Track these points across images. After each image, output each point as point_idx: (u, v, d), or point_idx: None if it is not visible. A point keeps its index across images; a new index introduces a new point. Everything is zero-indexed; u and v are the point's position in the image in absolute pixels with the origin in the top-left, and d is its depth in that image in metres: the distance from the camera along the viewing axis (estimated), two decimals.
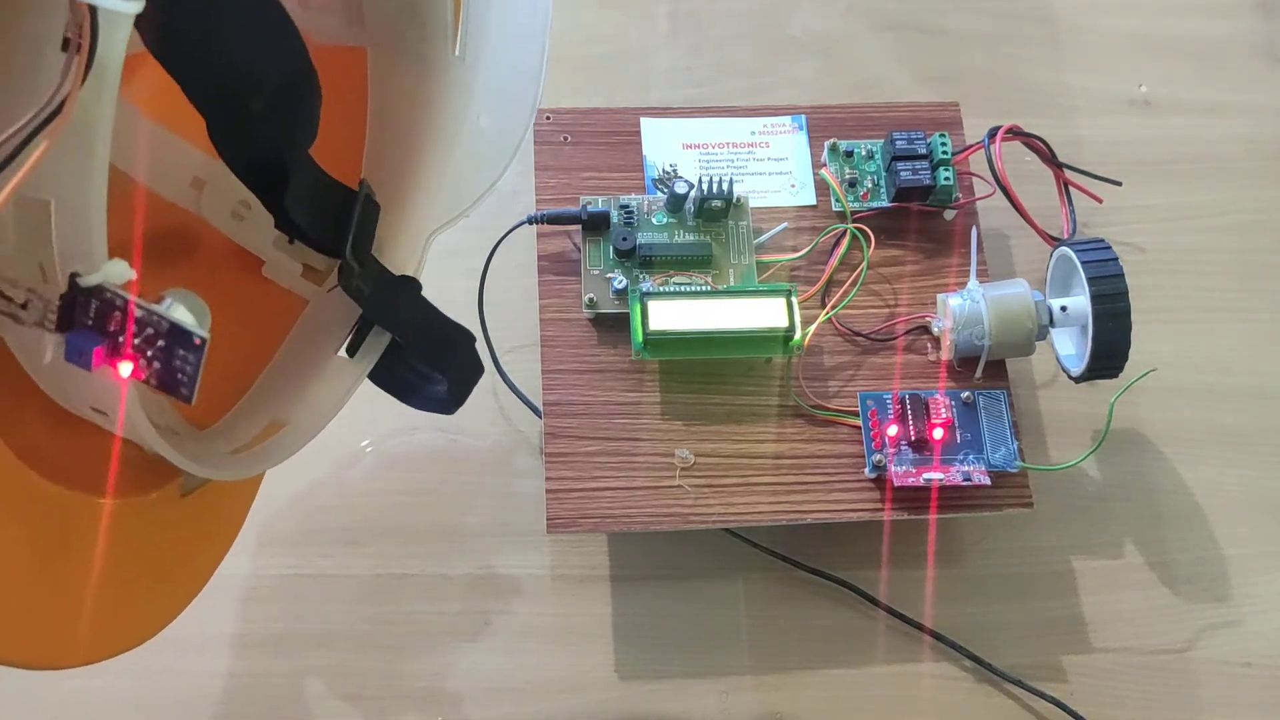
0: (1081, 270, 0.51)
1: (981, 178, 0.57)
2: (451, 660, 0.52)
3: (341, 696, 0.51)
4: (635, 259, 0.53)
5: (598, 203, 0.54)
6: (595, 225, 0.54)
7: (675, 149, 0.57)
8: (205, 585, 0.38)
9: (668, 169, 0.56)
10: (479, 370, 0.43)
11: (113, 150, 0.36)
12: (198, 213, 0.39)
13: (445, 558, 0.54)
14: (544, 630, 0.53)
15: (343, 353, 0.39)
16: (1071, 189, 0.59)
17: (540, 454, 0.52)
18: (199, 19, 0.26)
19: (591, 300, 0.52)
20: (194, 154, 0.38)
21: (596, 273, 0.53)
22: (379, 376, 0.40)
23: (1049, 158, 0.59)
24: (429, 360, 0.41)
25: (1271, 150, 0.67)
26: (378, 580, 0.54)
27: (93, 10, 0.23)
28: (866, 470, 0.51)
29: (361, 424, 0.56)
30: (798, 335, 0.51)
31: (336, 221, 0.35)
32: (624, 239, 0.53)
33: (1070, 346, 0.55)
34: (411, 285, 0.40)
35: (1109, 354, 0.51)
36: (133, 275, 0.26)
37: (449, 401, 0.42)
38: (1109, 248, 0.52)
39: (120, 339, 0.26)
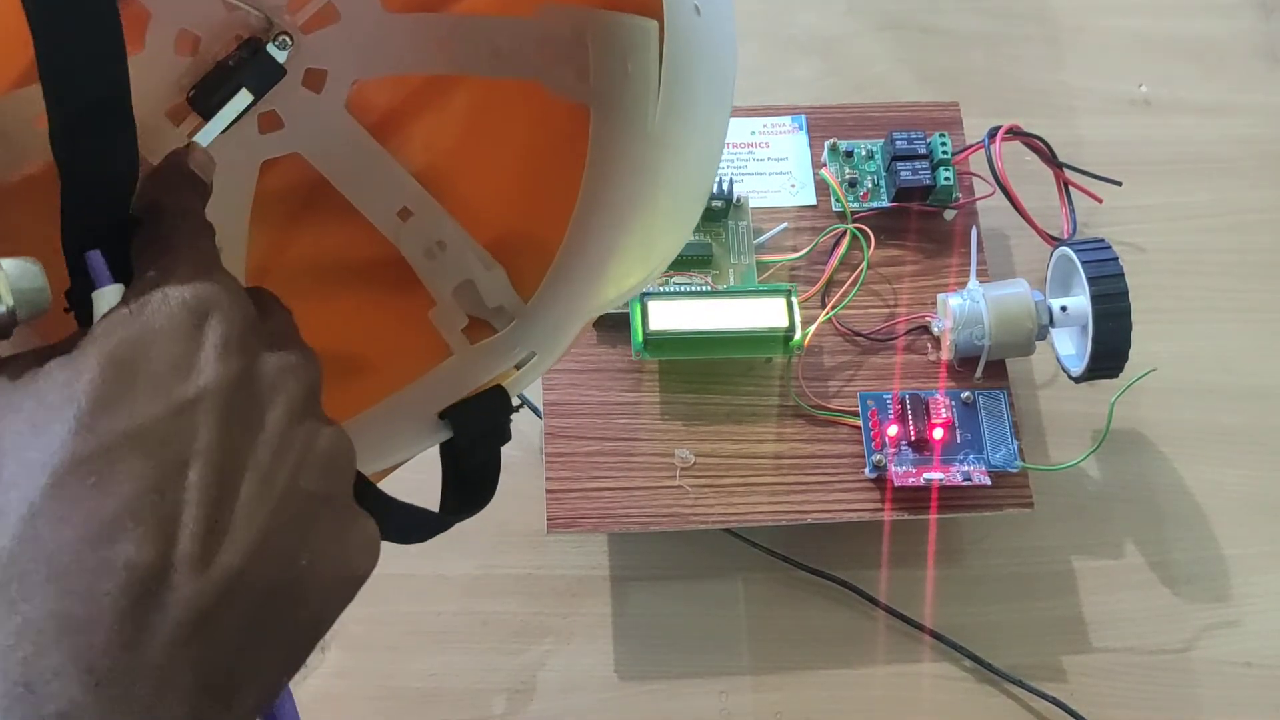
0: (1081, 270, 0.51)
1: (981, 178, 0.57)
2: (449, 661, 0.52)
3: (338, 697, 0.51)
4: None
5: None
6: None
7: None
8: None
9: None
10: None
11: (330, 164, 0.37)
12: (395, 242, 0.39)
13: (442, 558, 0.54)
14: (543, 630, 0.53)
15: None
16: (1071, 189, 0.59)
17: (540, 454, 0.52)
18: None
19: None
20: (409, 183, 0.38)
21: None
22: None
23: (1049, 158, 0.59)
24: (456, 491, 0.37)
25: (1271, 150, 0.67)
26: (374, 580, 0.53)
27: None
28: (866, 470, 0.51)
29: None
30: (798, 335, 0.51)
31: None
32: None
33: (1070, 346, 0.55)
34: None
35: (1109, 354, 0.51)
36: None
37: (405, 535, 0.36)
38: (1109, 248, 0.51)
39: None
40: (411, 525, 0.33)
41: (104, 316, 0.24)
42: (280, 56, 0.33)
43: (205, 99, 0.32)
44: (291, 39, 0.33)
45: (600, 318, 0.52)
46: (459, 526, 0.54)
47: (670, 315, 0.51)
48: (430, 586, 0.53)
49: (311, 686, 0.51)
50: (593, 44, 0.35)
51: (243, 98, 0.32)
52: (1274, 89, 0.69)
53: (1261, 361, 0.61)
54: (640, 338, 0.50)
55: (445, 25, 0.37)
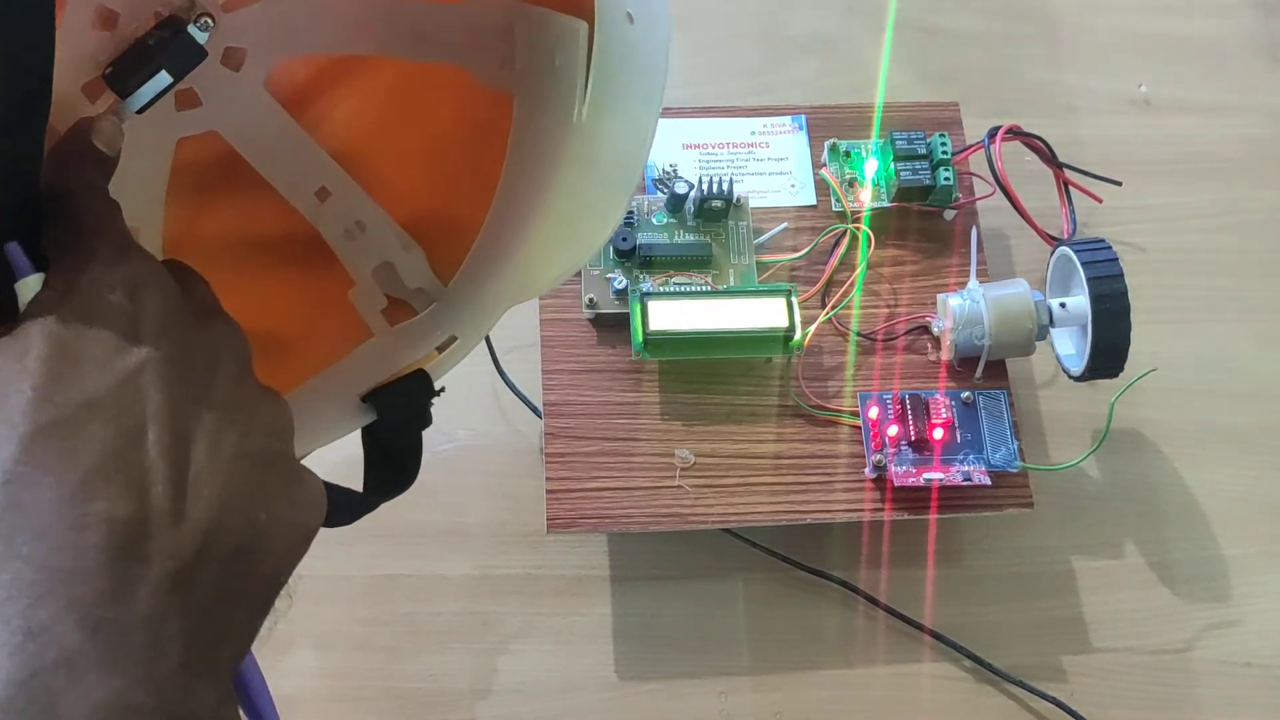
0: (1081, 270, 0.51)
1: (981, 178, 0.57)
2: (448, 661, 0.52)
3: (337, 698, 0.51)
4: (635, 259, 0.53)
5: None
6: None
7: (675, 149, 0.57)
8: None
9: (668, 169, 0.56)
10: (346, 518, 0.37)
11: (248, 143, 0.37)
12: (313, 222, 0.39)
13: (442, 558, 0.54)
14: (542, 630, 0.53)
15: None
16: (1071, 189, 0.59)
17: (540, 454, 0.52)
18: None
19: (591, 300, 0.52)
20: (328, 163, 0.38)
21: (596, 273, 0.53)
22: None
23: (1049, 158, 0.59)
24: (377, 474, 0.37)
25: (1271, 150, 0.67)
26: (373, 581, 0.53)
27: None
28: (867, 470, 0.51)
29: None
30: (798, 335, 0.51)
31: None
32: (624, 239, 0.53)
33: (1070, 346, 0.55)
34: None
35: (1109, 354, 0.51)
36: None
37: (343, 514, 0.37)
38: (1109, 248, 0.51)
39: None
40: (336, 506, 0.33)
41: (33, 302, 0.25)
42: (201, 38, 0.33)
43: (123, 79, 0.32)
44: (213, 20, 0.33)
45: (600, 318, 0.52)
46: (458, 526, 0.55)
47: (670, 315, 0.50)
48: (430, 586, 0.53)
49: (312, 687, 0.51)
50: (520, 36, 0.36)
51: (162, 79, 0.32)
52: (1274, 89, 0.69)
53: (1261, 361, 0.61)
54: (640, 338, 0.50)
55: (369, 7, 0.37)
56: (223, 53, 0.35)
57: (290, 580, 0.26)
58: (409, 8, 0.37)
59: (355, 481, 0.36)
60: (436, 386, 0.35)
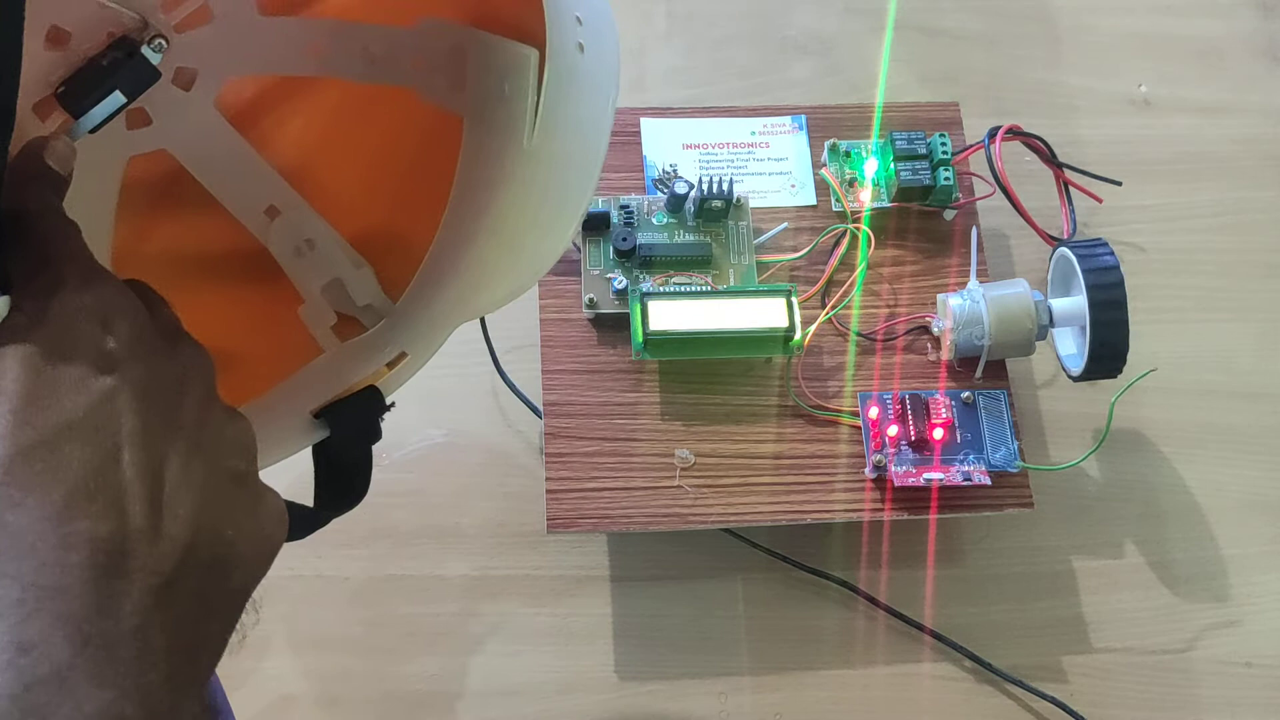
0: (1080, 271, 0.51)
1: (981, 178, 0.57)
2: (448, 662, 0.52)
3: (336, 699, 0.51)
4: (635, 259, 0.53)
5: (598, 203, 0.54)
6: (595, 225, 0.54)
7: (675, 149, 0.57)
8: None
9: (668, 169, 0.56)
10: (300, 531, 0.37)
11: (198, 161, 0.37)
12: (263, 240, 0.39)
13: (442, 559, 0.54)
14: (542, 631, 0.53)
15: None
16: (1071, 189, 0.59)
17: (540, 454, 0.52)
18: None
19: (591, 300, 0.52)
20: (277, 182, 0.39)
21: (596, 273, 0.53)
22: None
23: (1049, 158, 0.59)
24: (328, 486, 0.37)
25: (1271, 150, 0.67)
26: (373, 582, 0.53)
27: None
28: (867, 470, 0.51)
29: None
30: (798, 335, 0.51)
31: None
32: (624, 239, 0.53)
33: (1070, 346, 0.55)
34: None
35: (1109, 354, 0.51)
36: None
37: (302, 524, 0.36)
38: (1108, 248, 0.51)
39: None
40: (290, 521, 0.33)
41: (4, 328, 0.25)
42: (155, 59, 0.33)
43: (76, 99, 0.32)
44: (167, 41, 0.33)
45: (600, 318, 0.52)
46: (457, 527, 0.55)
47: (670, 315, 0.50)
48: (429, 587, 0.53)
49: (311, 688, 0.51)
50: (471, 61, 0.36)
51: (115, 99, 0.32)
52: (1274, 89, 0.69)
53: (1261, 361, 0.61)
54: (640, 338, 0.50)
55: (320, 29, 0.37)
56: (174, 72, 0.35)
57: (256, 594, 0.27)
58: (360, 30, 0.37)
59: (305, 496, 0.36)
60: (387, 402, 0.36)
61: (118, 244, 0.37)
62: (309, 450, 0.35)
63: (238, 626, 0.27)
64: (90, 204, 0.36)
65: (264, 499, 0.28)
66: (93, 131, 0.32)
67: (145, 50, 0.32)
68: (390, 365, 0.36)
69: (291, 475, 0.35)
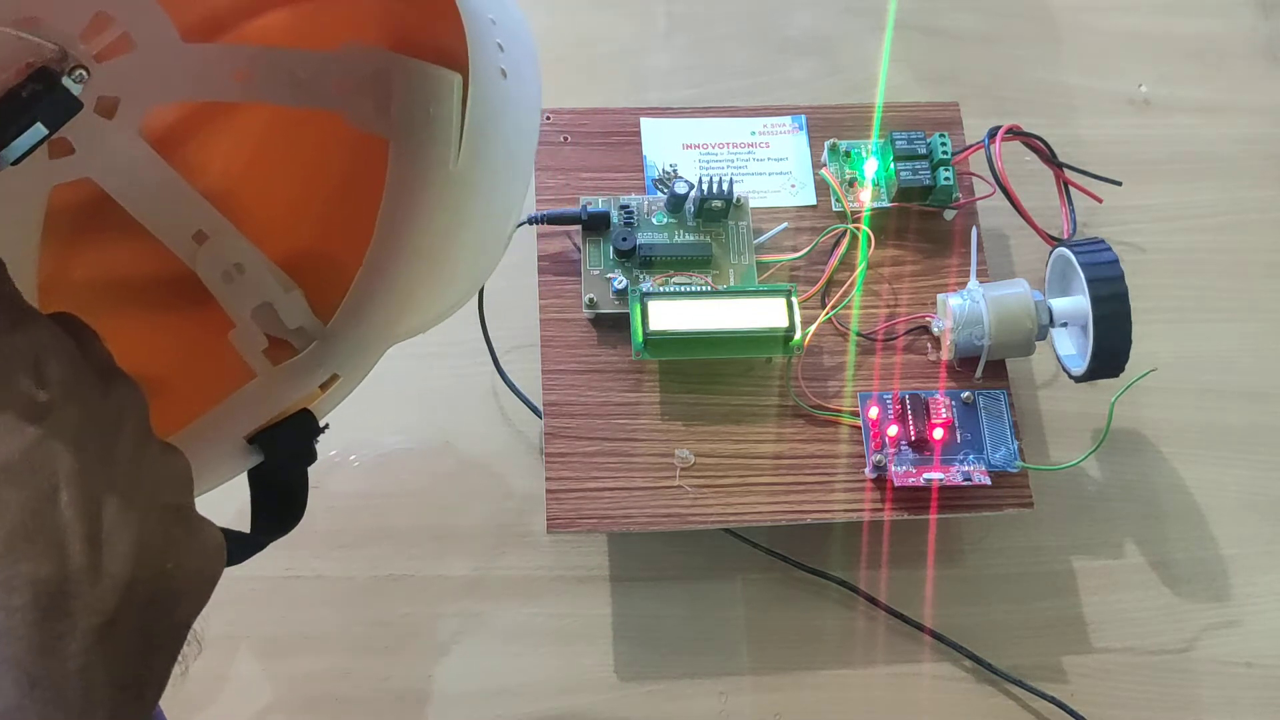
0: (1081, 271, 0.51)
1: (981, 178, 0.57)
2: (448, 662, 0.52)
3: (336, 699, 0.51)
4: (635, 259, 0.53)
5: (598, 203, 0.54)
6: (595, 225, 0.54)
7: (675, 149, 0.57)
8: None
9: (668, 169, 0.56)
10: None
11: (123, 188, 0.37)
12: (191, 265, 0.39)
13: (442, 559, 0.54)
14: (542, 631, 0.53)
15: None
16: (1071, 189, 0.59)
17: (540, 454, 0.52)
18: None
19: (591, 300, 0.52)
20: (204, 208, 0.39)
21: (596, 273, 0.53)
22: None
23: (1049, 158, 0.59)
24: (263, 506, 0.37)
25: (1271, 150, 0.67)
26: (373, 582, 0.53)
27: None
28: (867, 470, 0.51)
29: (358, 426, 0.56)
30: (798, 335, 0.51)
31: None
32: (624, 239, 0.53)
33: (1070, 346, 0.55)
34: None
35: (1109, 354, 0.51)
36: None
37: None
38: (1109, 248, 0.51)
39: None
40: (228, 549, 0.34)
41: None
42: (76, 90, 0.32)
43: None
44: (88, 72, 0.33)
45: (600, 318, 0.52)
46: (458, 527, 0.55)
47: (670, 315, 0.50)
48: (430, 587, 0.53)
49: (307, 689, 0.51)
50: (396, 85, 0.36)
51: (37, 131, 0.32)
52: (1274, 89, 0.69)
53: (1261, 361, 0.61)
54: (640, 338, 0.50)
55: (244, 55, 0.37)
56: (96, 101, 0.35)
57: (197, 626, 0.27)
58: (285, 55, 0.37)
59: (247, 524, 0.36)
60: (321, 424, 0.36)
61: (44, 273, 0.37)
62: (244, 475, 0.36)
63: (180, 658, 0.27)
64: (14, 235, 0.36)
65: (202, 531, 0.28)
66: (14, 164, 0.32)
67: (66, 81, 0.32)
68: (323, 387, 0.36)
69: (237, 505, 0.35)
